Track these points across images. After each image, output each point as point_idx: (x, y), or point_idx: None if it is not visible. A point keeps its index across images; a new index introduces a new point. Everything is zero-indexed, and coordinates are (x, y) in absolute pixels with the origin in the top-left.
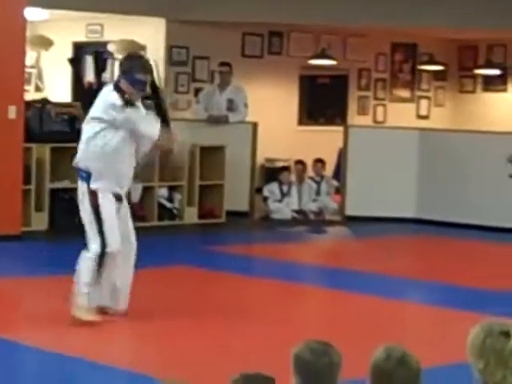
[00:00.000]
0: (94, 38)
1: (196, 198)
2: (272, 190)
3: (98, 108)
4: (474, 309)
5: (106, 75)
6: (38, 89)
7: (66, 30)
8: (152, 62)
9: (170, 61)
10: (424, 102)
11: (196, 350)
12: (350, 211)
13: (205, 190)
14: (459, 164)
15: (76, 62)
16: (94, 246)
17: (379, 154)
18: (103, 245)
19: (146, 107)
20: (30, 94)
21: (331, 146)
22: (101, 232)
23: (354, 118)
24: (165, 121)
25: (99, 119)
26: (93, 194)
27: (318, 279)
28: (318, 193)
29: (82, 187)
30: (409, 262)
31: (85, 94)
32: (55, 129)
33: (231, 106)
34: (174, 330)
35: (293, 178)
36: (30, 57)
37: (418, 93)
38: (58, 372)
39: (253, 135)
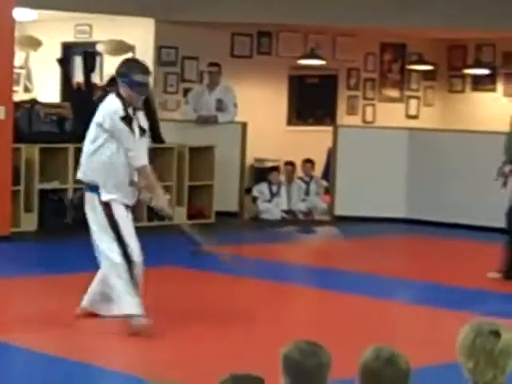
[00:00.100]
0: (82, 38)
1: (185, 198)
2: (261, 190)
3: (100, 114)
4: (463, 308)
5: (94, 75)
6: (26, 89)
7: (54, 31)
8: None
9: (159, 61)
10: (413, 102)
11: (185, 349)
12: (339, 211)
13: (194, 190)
14: (448, 164)
15: (65, 63)
16: (112, 254)
17: (368, 154)
18: (126, 254)
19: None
20: (19, 95)
21: (320, 146)
22: (120, 242)
23: (343, 117)
24: (154, 131)
25: (100, 126)
26: (106, 206)
27: (308, 279)
28: (307, 193)
29: (91, 198)
30: (398, 262)
31: (74, 95)
32: (44, 129)
33: (220, 106)
34: (164, 330)
35: (282, 178)
36: (19, 57)
37: (408, 92)
38: (49, 373)
39: (242, 135)
